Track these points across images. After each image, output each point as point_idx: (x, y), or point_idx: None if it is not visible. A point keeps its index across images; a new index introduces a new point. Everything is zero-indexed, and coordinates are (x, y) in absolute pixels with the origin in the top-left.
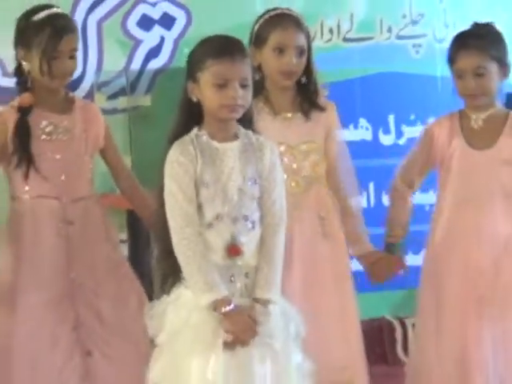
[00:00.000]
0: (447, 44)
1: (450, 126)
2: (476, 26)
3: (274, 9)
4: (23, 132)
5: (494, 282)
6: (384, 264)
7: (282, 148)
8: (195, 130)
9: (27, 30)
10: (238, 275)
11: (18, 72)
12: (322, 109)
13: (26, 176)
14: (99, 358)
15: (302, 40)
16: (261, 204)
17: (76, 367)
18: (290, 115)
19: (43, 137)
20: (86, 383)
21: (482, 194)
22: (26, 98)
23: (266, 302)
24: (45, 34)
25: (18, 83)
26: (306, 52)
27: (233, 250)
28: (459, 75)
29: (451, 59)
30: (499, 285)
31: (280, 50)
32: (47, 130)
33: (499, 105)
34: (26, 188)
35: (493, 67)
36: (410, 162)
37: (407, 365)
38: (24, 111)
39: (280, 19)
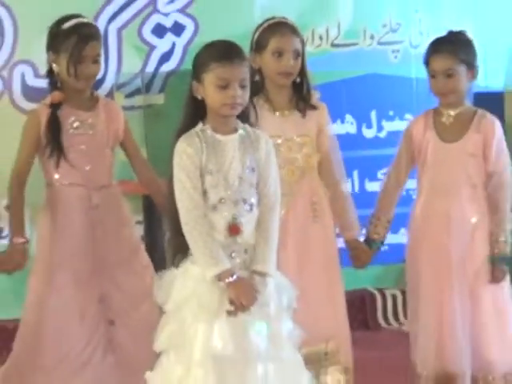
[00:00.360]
0: (421, 50)
1: (425, 121)
2: (449, 33)
3: (272, 18)
4: (54, 126)
5: (462, 263)
6: (362, 255)
7: (280, 140)
8: (200, 125)
9: (57, 37)
10: (238, 252)
11: (49, 73)
12: (314, 107)
13: (57, 165)
14: (120, 327)
15: (297, 44)
16: (258, 189)
17: (101, 337)
18: (287, 112)
19: (71, 131)
20: (109, 352)
21: (451, 184)
22: (56, 95)
23: (263, 275)
24: (72, 40)
25: (49, 83)
26: (300, 55)
27: (233, 229)
28: (432, 75)
29: (426, 61)
30: (468, 265)
31: (279, 54)
32: (75, 125)
33: (468, 103)
34: (56, 176)
35: (462, 70)
36: (396, 162)
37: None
38: (55, 107)
39: (278, 27)
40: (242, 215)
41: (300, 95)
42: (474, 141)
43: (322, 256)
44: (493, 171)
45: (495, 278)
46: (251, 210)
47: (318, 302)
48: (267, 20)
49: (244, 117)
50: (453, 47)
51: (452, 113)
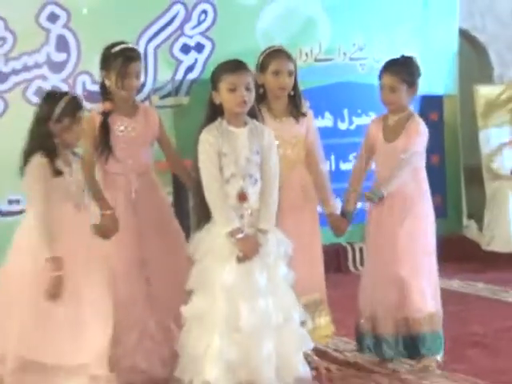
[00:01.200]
0: (382, 64)
1: (377, 124)
2: (401, 56)
3: (272, 46)
4: (105, 130)
5: (396, 230)
6: (341, 225)
7: (278, 142)
8: (219, 120)
9: (108, 58)
10: (245, 214)
11: (102, 86)
12: (304, 115)
13: (106, 160)
14: (157, 282)
15: (291, 66)
16: (261, 168)
17: (142, 292)
18: (284, 119)
19: (117, 133)
20: (147, 303)
21: (390, 172)
22: (107, 105)
23: (265, 232)
24: (119, 61)
25: (101, 94)
26: (293, 74)
27: (242, 196)
28: (381, 88)
29: (379, 76)
30: (402, 231)
31: (277, 73)
32: (120, 128)
33: (410, 110)
34: (106, 167)
35: (403, 87)
36: (360, 151)
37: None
38: (105, 115)
39: (276, 53)
40: (248, 187)
41: (294, 104)
42: (403, 141)
43: (308, 223)
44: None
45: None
46: (255, 183)
47: (311, 261)
48: (269, 48)
49: (252, 114)
50: (399, 69)
51: (395, 118)
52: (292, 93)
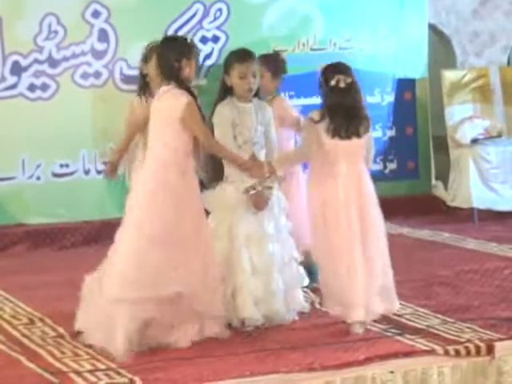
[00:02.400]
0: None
1: None
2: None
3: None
4: None
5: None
6: None
7: None
8: (229, 98)
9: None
10: None
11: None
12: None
13: None
14: None
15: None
16: (265, 136)
17: None
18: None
19: None
20: None
21: None
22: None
23: (270, 188)
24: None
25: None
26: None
27: (252, 158)
28: None
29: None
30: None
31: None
32: None
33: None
34: None
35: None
36: None
37: None
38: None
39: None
40: (257, 151)
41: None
42: None
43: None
44: None
45: None
46: (262, 148)
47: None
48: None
49: (256, 94)
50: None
51: None
52: None
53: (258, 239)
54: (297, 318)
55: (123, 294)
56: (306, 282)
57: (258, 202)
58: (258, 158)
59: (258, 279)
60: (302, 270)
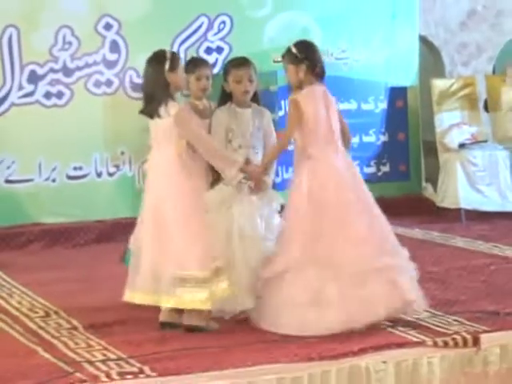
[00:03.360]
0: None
1: None
2: None
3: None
4: None
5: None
6: None
7: None
8: (229, 103)
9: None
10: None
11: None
12: None
13: None
14: None
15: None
16: (264, 141)
17: None
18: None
19: None
20: None
21: None
22: None
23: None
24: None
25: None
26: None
27: (247, 163)
28: None
29: None
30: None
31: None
32: None
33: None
34: None
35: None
36: None
37: None
38: None
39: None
40: (251, 155)
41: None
42: None
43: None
44: None
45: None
46: (257, 153)
47: None
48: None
49: (255, 99)
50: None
51: None
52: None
53: (250, 237)
54: None
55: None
56: None
57: (257, 183)
58: (251, 162)
59: (251, 274)
60: None
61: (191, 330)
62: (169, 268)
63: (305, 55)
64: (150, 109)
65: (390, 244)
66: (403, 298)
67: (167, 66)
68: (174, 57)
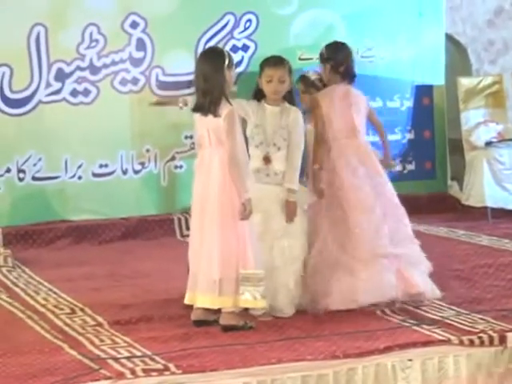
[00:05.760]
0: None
1: None
2: None
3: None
4: None
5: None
6: None
7: None
8: (263, 100)
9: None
10: (271, 173)
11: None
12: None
13: None
14: None
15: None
16: (287, 138)
17: None
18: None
19: None
20: None
21: None
22: None
23: (293, 191)
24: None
25: None
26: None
27: (266, 159)
28: None
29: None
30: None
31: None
32: None
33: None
34: None
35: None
36: None
37: None
38: None
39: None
40: (272, 152)
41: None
42: None
43: None
44: None
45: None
46: (279, 150)
47: None
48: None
49: (288, 99)
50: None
51: None
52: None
53: (266, 238)
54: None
55: None
56: None
57: (291, 211)
58: (270, 159)
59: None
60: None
61: (229, 329)
62: (226, 269)
63: (330, 55)
64: (207, 106)
65: (401, 235)
66: (406, 289)
67: (227, 62)
68: (230, 54)
